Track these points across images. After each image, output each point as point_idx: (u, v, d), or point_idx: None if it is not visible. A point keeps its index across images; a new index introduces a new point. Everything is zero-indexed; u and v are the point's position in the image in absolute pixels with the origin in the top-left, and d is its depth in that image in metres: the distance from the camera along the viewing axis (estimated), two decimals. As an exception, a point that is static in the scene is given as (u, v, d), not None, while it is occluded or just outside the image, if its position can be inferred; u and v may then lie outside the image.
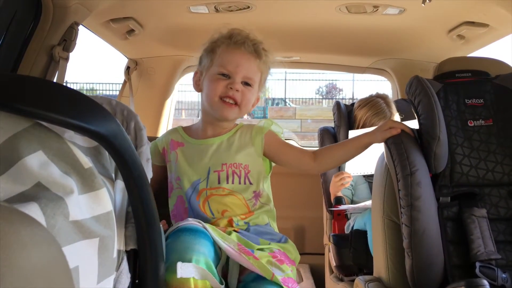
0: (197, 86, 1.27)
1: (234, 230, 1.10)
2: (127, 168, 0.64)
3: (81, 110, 0.56)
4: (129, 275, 0.70)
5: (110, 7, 1.63)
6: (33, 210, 0.51)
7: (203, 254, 0.92)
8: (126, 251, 0.71)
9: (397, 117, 1.91)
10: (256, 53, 1.21)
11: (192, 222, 1.00)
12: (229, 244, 0.98)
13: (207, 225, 1.01)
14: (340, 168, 1.92)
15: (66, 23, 1.48)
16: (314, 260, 2.54)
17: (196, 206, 1.16)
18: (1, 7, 1.29)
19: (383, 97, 1.94)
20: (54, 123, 0.55)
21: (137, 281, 0.74)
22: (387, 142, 1.18)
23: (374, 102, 1.92)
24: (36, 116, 0.53)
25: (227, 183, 1.17)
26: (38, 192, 0.55)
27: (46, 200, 0.53)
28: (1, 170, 0.54)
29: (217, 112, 1.21)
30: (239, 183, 1.18)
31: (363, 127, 1.93)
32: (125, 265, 0.69)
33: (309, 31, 1.99)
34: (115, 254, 0.65)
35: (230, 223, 1.14)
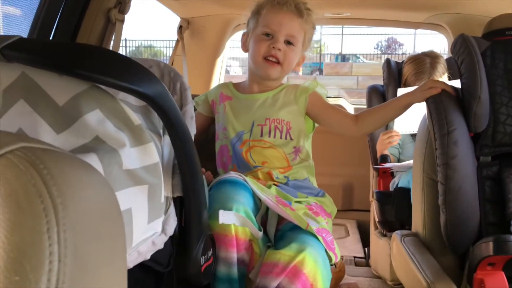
0: (244, 47, 1.34)
1: (274, 184, 1.17)
2: (172, 125, 0.71)
3: (131, 74, 0.64)
4: (175, 219, 0.79)
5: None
6: (93, 160, 0.60)
7: (242, 204, 0.99)
8: (173, 198, 0.79)
9: (443, 78, 1.84)
10: (298, 12, 1.23)
11: (233, 175, 1.07)
12: (268, 195, 1.05)
13: (248, 178, 1.07)
14: (388, 127, 1.92)
15: (121, -15, 1.57)
16: (361, 216, 2.60)
17: (240, 154, 1.24)
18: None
19: (433, 56, 1.86)
20: (108, 86, 0.63)
21: (183, 225, 0.84)
22: (427, 102, 1.19)
23: (420, 61, 1.86)
24: (92, 80, 0.62)
25: (269, 136, 1.24)
26: (97, 144, 0.64)
27: (103, 151, 0.63)
28: (66, 125, 0.64)
29: (261, 71, 1.26)
30: (280, 137, 1.24)
31: (405, 84, 1.90)
32: (172, 210, 0.78)
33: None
34: (162, 200, 0.74)
35: (270, 175, 1.20)
